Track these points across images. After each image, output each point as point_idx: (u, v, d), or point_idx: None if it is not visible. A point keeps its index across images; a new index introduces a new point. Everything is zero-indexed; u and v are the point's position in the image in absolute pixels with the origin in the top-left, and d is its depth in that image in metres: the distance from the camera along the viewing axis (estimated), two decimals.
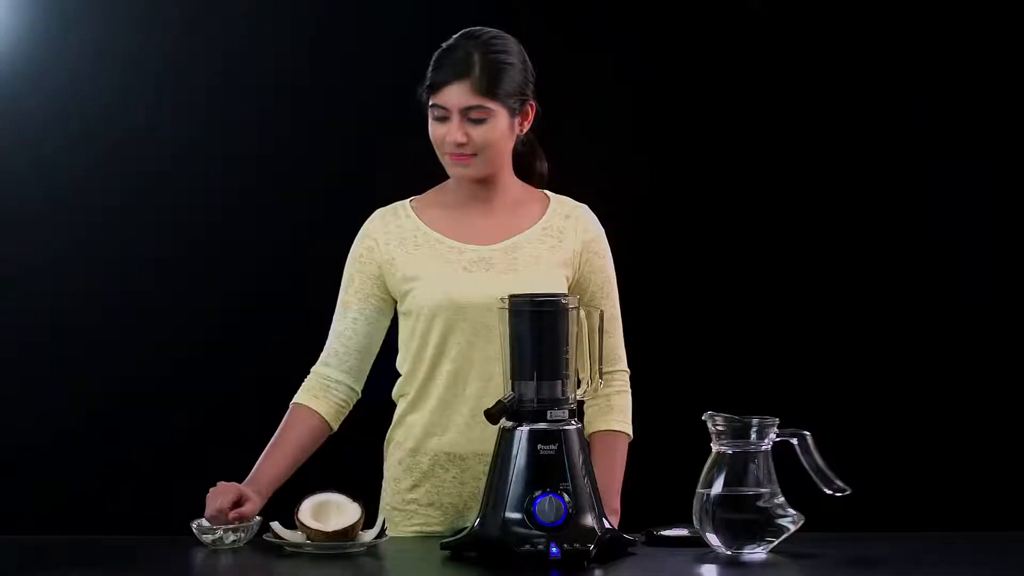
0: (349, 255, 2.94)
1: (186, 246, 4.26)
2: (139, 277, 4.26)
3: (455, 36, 2.87)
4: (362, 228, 2.95)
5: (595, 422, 2.93)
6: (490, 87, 2.80)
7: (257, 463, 2.83)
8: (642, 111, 4.34)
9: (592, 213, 2.97)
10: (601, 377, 2.71)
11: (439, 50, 2.86)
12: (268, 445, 2.87)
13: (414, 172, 2.99)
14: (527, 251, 2.87)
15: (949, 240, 4.33)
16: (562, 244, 2.91)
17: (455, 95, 2.80)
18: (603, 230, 2.97)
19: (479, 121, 2.81)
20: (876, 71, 4.32)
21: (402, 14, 4.28)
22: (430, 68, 2.84)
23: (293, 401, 2.93)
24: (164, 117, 4.26)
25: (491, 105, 2.81)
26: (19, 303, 4.23)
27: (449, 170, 2.88)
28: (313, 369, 2.94)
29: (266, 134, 4.28)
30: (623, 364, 2.98)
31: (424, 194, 2.97)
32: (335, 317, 2.94)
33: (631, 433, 2.95)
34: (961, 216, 4.33)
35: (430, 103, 2.83)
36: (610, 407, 2.93)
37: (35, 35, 4.24)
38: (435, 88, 2.82)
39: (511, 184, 2.93)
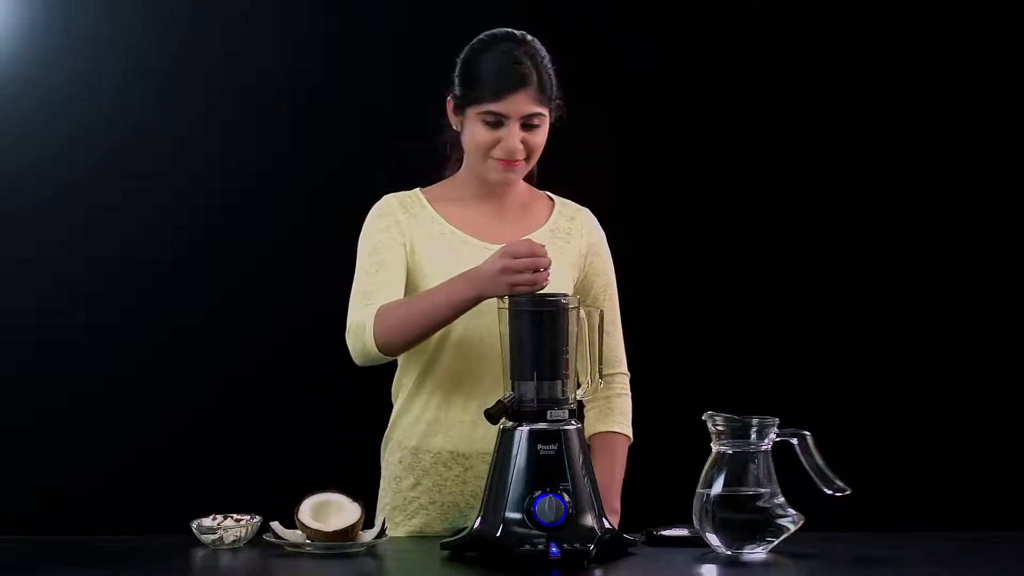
0: (369, 227, 2.88)
1: (186, 246, 4.26)
2: (139, 277, 4.26)
3: (496, 40, 2.84)
4: (377, 209, 2.90)
5: (595, 424, 2.93)
6: (547, 93, 2.82)
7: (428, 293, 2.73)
8: (642, 113, 4.34)
9: (594, 216, 2.99)
10: (601, 377, 2.72)
11: (482, 54, 2.83)
12: (419, 299, 2.75)
13: (414, 172, 2.99)
14: None
15: (949, 239, 4.33)
16: (569, 245, 2.92)
17: (518, 103, 2.80)
18: (603, 232, 2.99)
19: (534, 127, 2.82)
20: (876, 71, 4.32)
21: (402, 13, 4.28)
22: (478, 74, 2.81)
23: (374, 314, 2.76)
24: (164, 117, 4.26)
25: (544, 111, 2.83)
26: (19, 303, 4.23)
27: (490, 175, 2.86)
28: (354, 314, 2.80)
29: (266, 134, 4.28)
30: (623, 367, 2.98)
31: (431, 186, 2.96)
32: (366, 273, 2.81)
33: (631, 436, 2.95)
34: (960, 215, 4.33)
35: (482, 109, 2.81)
36: (610, 409, 2.94)
37: (35, 35, 4.24)
38: (496, 95, 2.79)
39: (520, 185, 2.94)
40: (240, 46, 4.29)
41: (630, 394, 2.98)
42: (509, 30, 2.87)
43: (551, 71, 2.84)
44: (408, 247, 2.87)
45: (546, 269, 2.63)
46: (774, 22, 4.33)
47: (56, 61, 4.24)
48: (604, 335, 2.76)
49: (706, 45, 4.33)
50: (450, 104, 2.88)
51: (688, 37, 4.33)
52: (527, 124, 2.82)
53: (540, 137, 2.84)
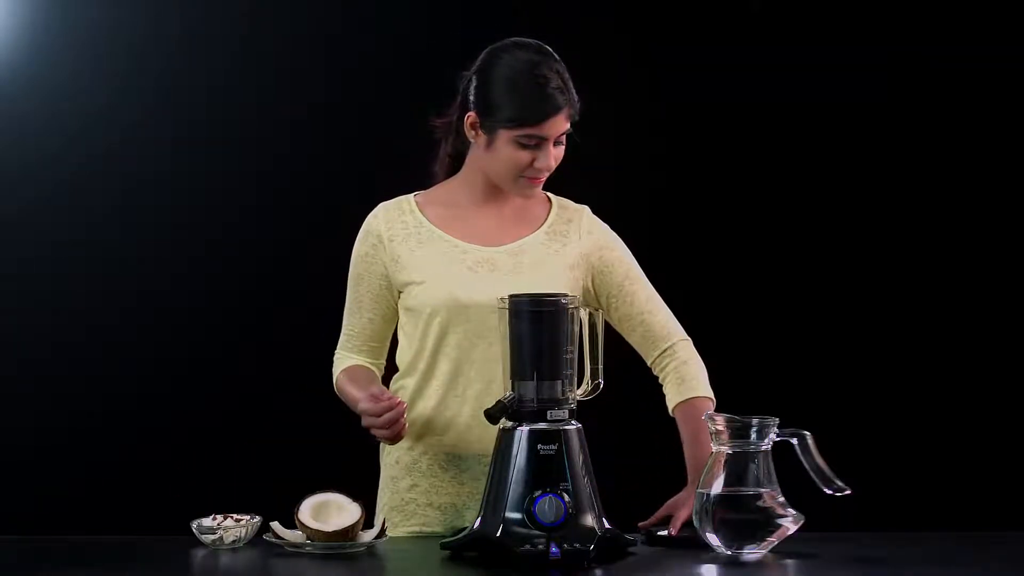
0: (355, 252, 2.92)
1: (186, 246, 4.26)
2: (139, 277, 4.26)
3: (518, 57, 2.80)
4: (365, 224, 2.92)
5: (674, 396, 2.89)
6: (575, 108, 2.82)
7: (350, 390, 2.86)
8: (641, 113, 4.33)
9: (592, 214, 2.98)
10: (601, 378, 2.71)
11: (510, 72, 2.79)
12: (347, 392, 2.89)
13: (414, 172, 2.98)
14: (532, 254, 2.87)
15: (948, 240, 4.33)
16: (566, 248, 2.91)
17: (557, 124, 2.80)
18: (605, 225, 2.97)
19: (560, 143, 2.83)
20: (876, 70, 4.31)
21: (402, 14, 4.28)
22: (514, 96, 2.77)
23: (336, 379, 2.95)
24: (164, 117, 4.26)
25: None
26: (19, 303, 4.23)
27: (520, 192, 2.86)
28: (337, 355, 2.95)
29: (266, 134, 4.28)
30: (681, 333, 2.95)
31: (428, 190, 2.96)
32: (348, 311, 2.93)
33: (712, 396, 2.90)
34: (959, 216, 4.33)
35: (524, 132, 2.78)
36: (681, 378, 2.89)
37: (35, 35, 4.24)
38: (539, 120, 2.77)
39: None
40: (240, 46, 4.29)
41: (697, 356, 2.93)
42: (526, 41, 2.83)
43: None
44: (392, 262, 2.86)
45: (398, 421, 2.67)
46: (774, 21, 4.33)
47: (56, 61, 4.24)
48: (647, 313, 2.86)
49: (706, 45, 4.33)
50: (471, 120, 2.83)
51: (688, 37, 4.33)
52: (557, 140, 2.82)
53: (562, 151, 2.84)
